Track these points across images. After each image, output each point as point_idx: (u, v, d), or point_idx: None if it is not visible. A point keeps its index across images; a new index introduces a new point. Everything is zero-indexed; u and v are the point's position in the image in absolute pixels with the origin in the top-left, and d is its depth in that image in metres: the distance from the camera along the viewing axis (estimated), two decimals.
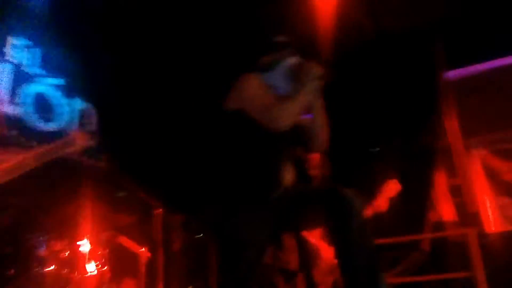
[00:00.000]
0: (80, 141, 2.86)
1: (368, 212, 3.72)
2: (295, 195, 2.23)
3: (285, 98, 2.24)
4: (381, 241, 3.93)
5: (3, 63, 4.84)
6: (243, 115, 2.23)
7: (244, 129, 2.25)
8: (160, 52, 5.87)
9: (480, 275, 3.65)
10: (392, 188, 3.83)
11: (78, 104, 5.62)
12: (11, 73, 4.91)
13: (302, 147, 2.48)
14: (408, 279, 4.42)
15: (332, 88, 2.30)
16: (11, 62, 4.94)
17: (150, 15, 5.58)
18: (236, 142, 2.28)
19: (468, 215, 5.39)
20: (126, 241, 4.66)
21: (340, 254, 2.08)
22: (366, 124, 5.99)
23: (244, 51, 2.49)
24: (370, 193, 4.20)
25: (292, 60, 2.35)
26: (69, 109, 5.47)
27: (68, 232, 4.18)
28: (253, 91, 2.26)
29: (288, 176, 2.32)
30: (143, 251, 4.69)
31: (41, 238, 4.01)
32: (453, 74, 5.99)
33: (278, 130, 2.15)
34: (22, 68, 5.03)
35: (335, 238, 2.11)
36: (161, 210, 4.84)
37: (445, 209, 5.48)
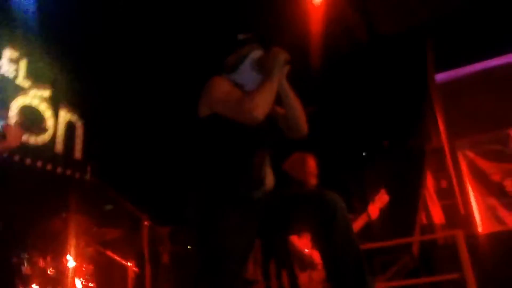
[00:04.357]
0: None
1: (363, 220, 3.70)
2: (280, 199, 2.19)
3: (255, 89, 2.19)
4: (370, 245, 3.90)
5: None
6: (217, 118, 2.18)
7: (221, 132, 2.20)
8: (144, 62, 5.83)
9: (469, 276, 3.62)
10: (381, 198, 3.82)
11: (65, 116, 5.57)
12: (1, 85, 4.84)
13: (283, 139, 2.39)
14: (398, 283, 4.39)
15: (322, 92, 2.26)
16: (1, 74, 4.86)
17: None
18: (216, 146, 2.23)
19: (457, 217, 5.40)
20: (112, 256, 4.56)
21: (326, 259, 2.04)
22: (356, 127, 5.98)
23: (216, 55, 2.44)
24: (361, 197, 4.16)
25: (255, 54, 2.28)
26: (56, 121, 5.42)
27: (52, 248, 4.08)
28: (222, 91, 2.21)
29: (269, 179, 2.27)
30: (130, 265, 4.60)
31: (25, 255, 3.89)
32: (442, 76, 6.04)
33: (255, 121, 2.08)
34: (10, 80, 4.95)
35: (320, 242, 2.07)
36: (148, 222, 4.75)
37: (433, 212, 5.48)
